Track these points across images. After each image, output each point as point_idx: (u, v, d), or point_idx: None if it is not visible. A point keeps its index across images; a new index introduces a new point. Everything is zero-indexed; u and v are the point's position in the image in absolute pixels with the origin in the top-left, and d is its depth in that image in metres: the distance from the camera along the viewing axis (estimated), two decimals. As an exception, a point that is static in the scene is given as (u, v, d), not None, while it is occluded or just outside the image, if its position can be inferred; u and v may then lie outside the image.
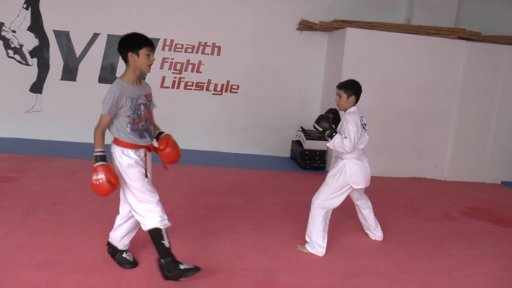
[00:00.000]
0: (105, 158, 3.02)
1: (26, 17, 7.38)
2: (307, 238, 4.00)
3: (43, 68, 7.54)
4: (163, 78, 7.68)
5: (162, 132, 3.41)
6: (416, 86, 7.03)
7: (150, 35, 7.98)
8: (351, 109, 3.97)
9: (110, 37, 7.47)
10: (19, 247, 3.60)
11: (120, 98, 3.03)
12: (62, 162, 6.25)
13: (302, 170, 7.14)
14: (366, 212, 4.28)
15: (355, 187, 3.95)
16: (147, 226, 3.14)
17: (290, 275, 3.52)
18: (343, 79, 6.98)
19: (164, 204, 3.24)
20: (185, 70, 7.72)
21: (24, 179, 5.35)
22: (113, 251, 3.47)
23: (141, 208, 3.14)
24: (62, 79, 7.56)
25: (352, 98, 3.95)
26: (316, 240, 3.91)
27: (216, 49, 7.70)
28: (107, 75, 7.60)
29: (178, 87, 7.74)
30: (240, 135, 7.94)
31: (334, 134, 3.85)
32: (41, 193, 4.91)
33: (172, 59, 7.66)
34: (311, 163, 7.21)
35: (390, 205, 5.59)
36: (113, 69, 7.61)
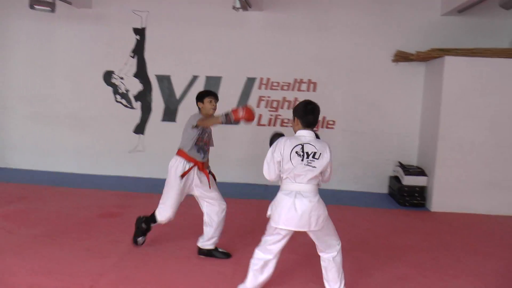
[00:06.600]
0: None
1: (132, 64, 7.99)
2: None
3: (146, 110, 8.04)
4: (260, 116, 7.80)
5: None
6: (530, 115, 6.42)
7: (246, 75, 8.14)
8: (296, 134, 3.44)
9: (208, 78, 7.78)
10: (125, 278, 3.76)
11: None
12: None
13: (401, 207, 6.77)
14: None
15: (273, 225, 3.32)
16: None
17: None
18: (443, 111, 6.73)
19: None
20: (281, 108, 7.79)
21: (128, 214, 5.60)
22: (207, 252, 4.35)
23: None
24: (163, 120, 7.99)
25: (297, 121, 3.42)
26: None
27: (311, 85, 7.69)
28: (205, 115, 7.88)
29: (274, 125, 7.81)
30: (337, 171, 7.73)
31: None
32: (144, 228, 5.09)
33: (269, 97, 7.79)
34: (411, 199, 6.82)
35: (509, 248, 5.04)
36: (210, 109, 7.88)
